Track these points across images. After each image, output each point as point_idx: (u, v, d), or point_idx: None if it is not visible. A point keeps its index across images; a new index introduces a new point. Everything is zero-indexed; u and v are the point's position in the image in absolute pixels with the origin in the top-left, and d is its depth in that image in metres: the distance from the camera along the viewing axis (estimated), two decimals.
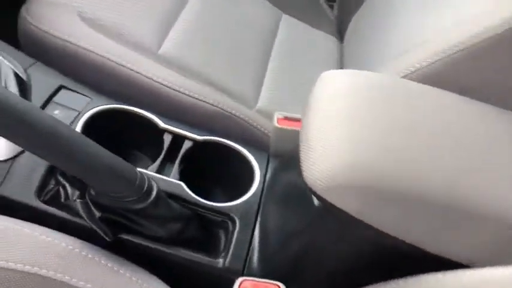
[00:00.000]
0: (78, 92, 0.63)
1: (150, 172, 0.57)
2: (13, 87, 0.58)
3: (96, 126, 0.62)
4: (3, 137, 0.38)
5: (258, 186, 0.60)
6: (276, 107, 0.80)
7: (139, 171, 0.47)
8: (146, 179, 0.47)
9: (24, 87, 0.59)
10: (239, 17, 0.90)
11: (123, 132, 0.66)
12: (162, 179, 0.56)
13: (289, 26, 1.00)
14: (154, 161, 0.68)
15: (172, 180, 0.57)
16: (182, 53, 0.75)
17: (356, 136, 0.39)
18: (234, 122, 0.71)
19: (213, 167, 0.66)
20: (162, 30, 0.76)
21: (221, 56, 0.80)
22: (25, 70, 0.61)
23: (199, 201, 0.56)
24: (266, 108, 0.79)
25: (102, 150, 0.43)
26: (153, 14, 0.76)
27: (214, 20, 0.84)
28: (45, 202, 0.53)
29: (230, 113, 0.70)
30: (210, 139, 0.64)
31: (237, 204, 0.57)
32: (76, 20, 0.68)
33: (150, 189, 0.47)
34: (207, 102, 0.69)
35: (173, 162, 0.61)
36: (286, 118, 0.65)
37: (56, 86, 0.61)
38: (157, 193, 0.48)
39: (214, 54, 0.79)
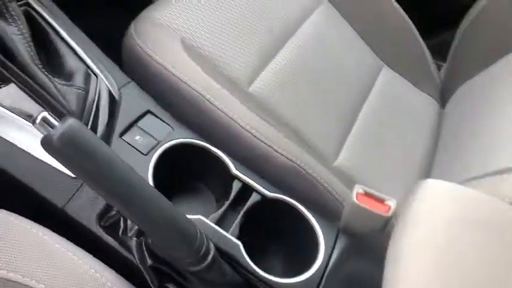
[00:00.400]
0: (162, 120, 0.62)
1: (210, 223, 0.54)
2: (104, 105, 0.59)
3: (170, 155, 0.61)
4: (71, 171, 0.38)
5: (322, 264, 0.55)
6: (355, 172, 0.74)
7: (199, 231, 0.45)
8: (205, 241, 0.45)
9: (113, 106, 0.60)
10: (336, 63, 0.86)
11: (194, 163, 0.65)
12: (222, 235, 0.54)
13: (388, 80, 0.94)
14: (217, 199, 0.66)
15: (231, 239, 0.54)
16: (270, 95, 0.73)
17: None
18: (307, 180, 0.67)
19: (275, 227, 0.62)
20: (257, 67, 0.74)
21: (308, 104, 0.77)
22: (119, 88, 0.62)
23: (254, 270, 0.52)
24: (343, 170, 0.73)
25: (167, 205, 0.42)
26: (251, 49, 0.75)
27: (309, 64, 0.81)
28: (103, 228, 0.53)
29: (305, 170, 0.66)
30: (280, 198, 0.61)
31: (295, 283, 0.52)
32: (178, 45, 0.68)
33: (207, 253, 0.45)
34: (283, 155, 0.65)
35: (236, 211, 0.59)
36: (367, 194, 0.59)
37: (143, 110, 0.62)
38: (213, 257, 0.46)
39: (301, 101, 0.76)
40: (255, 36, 0.76)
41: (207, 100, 0.65)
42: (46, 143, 0.36)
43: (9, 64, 0.55)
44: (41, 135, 0.35)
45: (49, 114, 0.37)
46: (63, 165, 0.38)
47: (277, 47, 0.78)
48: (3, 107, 0.54)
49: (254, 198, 0.60)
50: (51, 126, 0.36)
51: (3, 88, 0.57)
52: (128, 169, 0.39)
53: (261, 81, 0.73)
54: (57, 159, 0.38)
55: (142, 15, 0.71)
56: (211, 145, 0.64)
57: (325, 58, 0.83)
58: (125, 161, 0.39)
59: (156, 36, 0.68)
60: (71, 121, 0.36)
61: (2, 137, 0.53)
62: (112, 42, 0.69)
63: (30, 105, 0.57)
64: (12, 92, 0.57)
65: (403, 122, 0.88)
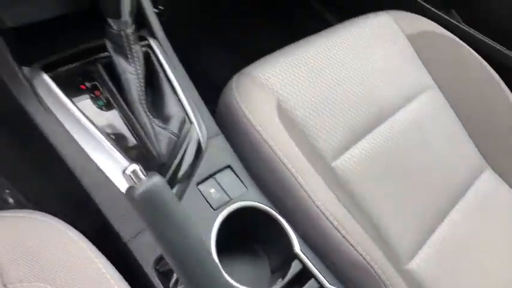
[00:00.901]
0: (239, 178, 0.63)
1: None
2: (190, 152, 0.61)
3: (238, 215, 0.61)
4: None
5: None
6: (428, 281, 0.67)
7: None
8: None
9: (198, 154, 0.62)
10: (432, 155, 0.80)
11: (259, 228, 0.64)
12: None
13: (489, 184, 0.84)
14: (272, 270, 0.63)
15: None
16: (354, 175, 0.70)
17: None
18: (373, 279, 0.61)
19: None
20: (345, 144, 0.71)
21: (392, 194, 0.72)
22: (208, 138, 0.64)
23: None
24: (415, 275, 0.67)
25: (224, 282, 0.41)
26: (343, 124, 0.73)
27: (401, 152, 0.76)
28: (157, 272, 0.53)
29: (374, 269, 0.61)
30: None
31: None
32: (272, 106, 0.69)
33: None
34: (356, 249, 0.60)
35: None
36: None
37: (224, 165, 0.63)
38: None
39: (385, 189, 0.71)
40: (349, 111, 0.74)
41: (286, 167, 0.63)
42: (129, 194, 0.39)
43: (118, 96, 0.60)
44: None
45: (139, 168, 0.39)
46: (138, 215, 0.40)
47: (370, 127, 0.75)
48: (99, 130, 0.58)
49: (311, 285, 0.57)
50: (138, 179, 0.39)
51: (106, 112, 0.62)
52: (196, 241, 0.39)
53: (346, 158, 0.70)
54: (135, 209, 0.40)
55: (245, 71, 0.73)
56: (281, 214, 0.63)
57: (419, 147, 0.78)
58: (194, 212, 0.39)
59: (254, 93, 0.70)
60: (155, 180, 0.38)
61: (94, 162, 0.57)
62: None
63: (125, 134, 0.62)
64: (112, 119, 0.62)
65: (500, 236, 0.77)
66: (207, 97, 0.71)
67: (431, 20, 0.97)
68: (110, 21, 0.54)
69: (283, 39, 1.45)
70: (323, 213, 0.61)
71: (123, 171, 0.38)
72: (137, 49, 0.57)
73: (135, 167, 0.38)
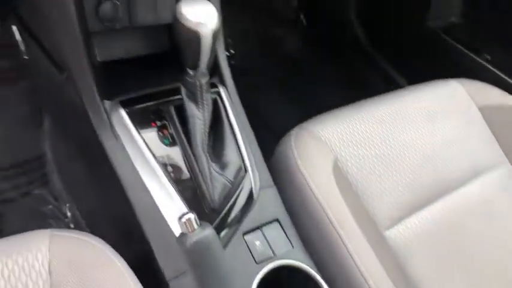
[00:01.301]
0: (286, 234, 0.62)
1: None
2: (241, 201, 0.62)
3: (280, 271, 0.60)
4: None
5: None
6: None
7: None
8: None
9: (249, 203, 0.63)
10: (501, 237, 0.74)
11: (298, 285, 0.62)
12: None
13: None
14: None
15: None
16: (406, 248, 0.66)
17: None
18: None
19: None
20: (401, 213, 0.69)
21: (448, 274, 0.67)
22: (260, 188, 0.65)
23: None
24: None
25: None
26: (401, 193, 0.70)
27: (465, 230, 0.71)
28: None
29: None
30: None
31: None
32: (329, 165, 0.68)
33: None
34: None
35: None
36: None
37: (272, 218, 0.63)
38: None
39: (440, 267, 0.67)
40: (409, 180, 0.72)
41: (336, 231, 0.62)
42: (181, 240, 0.41)
43: (183, 137, 0.63)
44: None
45: (194, 217, 0.41)
46: (185, 259, 0.41)
47: (430, 199, 0.72)
48: (161, 167, 0.61)
49: None
50: (192, 227, 0.40)
51: (170, 150, 0.65)
52: None
53: (401, 229, 0.67)
54: (183, 254, 0.41)
55: (305, 125, 0.74)
56: (323, 277, 0.61)
57: (489, 232, 0.72)
58: (237, 262, 0.39)
59: (312, 149, 0.70)
60: (207, 232, 0.40)
61: (151, 196, 0.59)
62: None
63: (184, 173, 0.64)
64: (174, 157, 0.64)
65: None
66: (263, 145, 0.72)
67: (505, 91, 0.93)
68: (188, 69, 0.58)
69: (347, 94, 1.46)
70: (369, 286, 0.58)
71: (179, 218, 0.40)
72: (208, 97, 0.61)
73: (191, 216, 0.40)
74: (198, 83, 0.58)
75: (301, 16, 1.64)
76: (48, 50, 0.71)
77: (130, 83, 0.70)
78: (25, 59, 1.13)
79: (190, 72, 0.58)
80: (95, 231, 0.91)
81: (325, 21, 1.60)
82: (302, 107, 1.40)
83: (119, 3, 0.64)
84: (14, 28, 1.06)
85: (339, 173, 0.69)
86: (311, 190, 0.65)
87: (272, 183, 0.67)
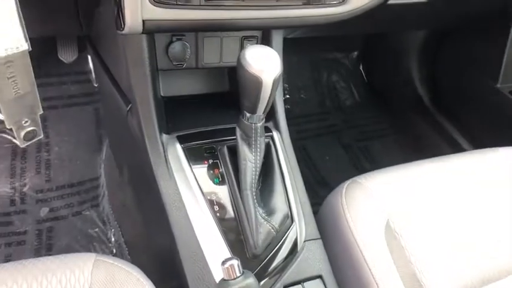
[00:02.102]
0: None
1: None
2: (284, 251, 0.60)
3: None
4: None
5: None
6: None
7: None
8: None
9: (292, 255, 0.61)
10: None
11: None
12: None
13: None
14: None
15: None
16: None
17: None
18: None
19: None
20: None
21: None
22: (306, 241, 0.62)
23: None
24: None
25: None
26: (459, 270, 0.64)
27: None
28: None
29: None
30: None
31: None
32: (381, 224, 0.65)
33: None
34: None
35: None
36: None
37: (316, 273, 0.60)
38: None
39: None
40: (465, 254, 0.66)
41: None
42: (222, 286, 0.39)
43: (234, 179, 0.63)
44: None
45: (237, 264, 0.39)
46: None
47: (486, 279, 0.65)
48: (209, 208, 0.61)
49: None
50: (234, 273, 0.39)
51: (219, 189, 0.65)
52: None
53: None
54: None
55: (358, 179, 0.71)
56: None
57: None
58: None
59: (363, 205, 0.67)
60: (249, 281, 0.38)
61: (196, 236, 0.59)
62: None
63: (230, 214, 0.63)
64: (222, 196, 0.64)
65: None
66: (313, 194, 0.70)
67: None
68: (245, 112, 0.59)
69: (406, 153, 1.41)
70: None
71: (222, 263, 0.39)
72: (262, 141, 0.61)
73: (234, 262, 0.39)
74: (253, 127, 0.59)
75: (361, 68, 1.63)
76: (117, 81, 0.76)
77: (190, 119, 0.72)
78: (94, 86, 1.22)
79: (248, 115, 0.58)
80: (135, 259, 0.92)
81: (385, 75, 1.58)
82: (357, 163, 1.37)
83: (188, 44, 0.68)
84: (89, 57, 1.15)
85: (391, 233, 0.65)
86: (359, 248, 0.61)
87: (318, 235, 0.64)
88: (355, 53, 1.61)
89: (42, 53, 1.17)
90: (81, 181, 1.10)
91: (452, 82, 1.40)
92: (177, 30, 0.65)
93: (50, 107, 1.18)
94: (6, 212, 1.01)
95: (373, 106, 1.57)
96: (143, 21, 0.54)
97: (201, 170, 0.64)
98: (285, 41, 0.87)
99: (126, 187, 0.89)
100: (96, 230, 1.00)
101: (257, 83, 0.53)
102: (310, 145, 1.39)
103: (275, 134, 0.70)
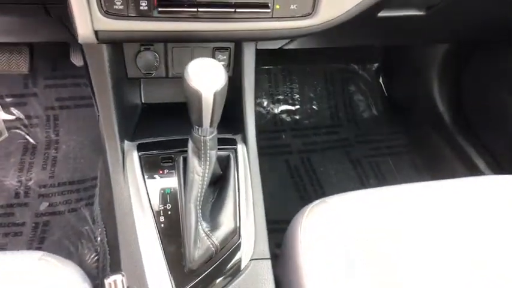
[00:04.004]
0: None
1: None
2: (226, 268, 0.59)
3: None
4: None
5: None
6: None
7: None
8: None
9: (235, 274, 0.59)
10: None
11: None
12: None
13: None
14: None
15: None
16: None
17: None
18: None
19: None
20: None
21: None
22: (252, 260, 0.60)
23: None
24: None
25: None
26: None
27: None
28: None
29: None
30: None
31: None
32: (334, 255, 0.61)
33: None
34: None
35: None
36: None
37: None
38: None
39: None
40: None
41: None
42: None
43: (183, 190, 0.62)
44: None
45: (121, 280, 0.39)
46: None
47: None
48: (154, 218, 0.62)
49: None
50: None
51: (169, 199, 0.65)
52: None
53: None
54: None
55: (326, 199, 0.68)
56: None
57: None
58: None
59: (321, 229, 0.63)
60: None
61: (138, 243, 0.60)
62: None
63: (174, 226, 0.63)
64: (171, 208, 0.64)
65: None
66: None
67: None
68: (194, 125, 0.58)
69: (421, 174, 1.32)
70: None
71: (106, 277, 0.39)
72: (212, 154, 0.60)
73: (118, 277, 0.38)
74: (202, 139, 0.58)
75: (381, 80, 1.57)
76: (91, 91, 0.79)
77: (158, 126, 0.73)
78: None
79: (196, 127, 0.58)
80: (114, 259, 0.94)
81: (405, 89, 1.50)
82: (365, 180, 1.30)
83: (156, 54, 0.69)
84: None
85: (344, 263, 0.61)
86: (303, 275, 0.58)
87: (268, 255, 0.62)
88: (375, 65, 1.55)
89: (58, 56, 1.24)
90: (82, 179, 1.15)
91: (476, 100, 1.30)
92: (132, 41, 0.66)
93: (63, 107, 1.25)
94: (10, 203, 1.08)
95: (389, 121, 1.50)
96: (96, 31, 0.55)
97: (155, 180, 0.64)
98: (297, 51, 0.84)
99: (108, 189, 0.92)
100: (87, 228, 1.04)
101: (198, 97, 0.52)
102: (315, 158, 1.35)
103: (240, 148, 0.69)
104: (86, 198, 1.11)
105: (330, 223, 0.64)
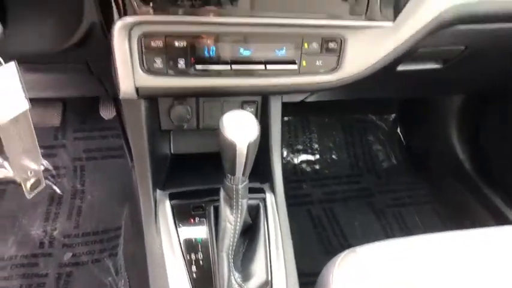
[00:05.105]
0: None
1: None
2: None
3: None
4: None
5: None
6: None
7: None
8: None
9: None
10: None
11: None
12: None
13: None
14: None
15: None
16: None
17: None
18: None
19: None
20: None
21: None
22: None
23: None
24: None
25: None
26: None
27: None
28: None
29: None
30: None
31: None
32: None
33: None
34: None
35: None
36: None
37: None
38: None
39: None
40: None
41: None
42: None
43: (214, 240, 0.63)
44: None
45: None
46: None
47: None
48: (186, 268, 0.62)
49: None
50: None
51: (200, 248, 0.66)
52: None
53: None
54: None
55: (356, 249, 0.67)
56: None
57: None
58: None
59: (353, 280, 0.62)
60: None
61: None
62: None
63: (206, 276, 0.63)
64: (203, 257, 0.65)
65: None
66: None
67: None
68: (227, 174, 0.60)
69: (442, 219, 1.29)
70: None
71: None
72: (243, 203, 0.61)
73: None
74: (234, 188, 0.59)
75: (399, 130, 1.58)
76: (125, 142, 0.82)
77: (188, 176, 0.75)
78: None
79: (229, 176, 0.59)
80: None
81: (424, 139, 1.52)
82: (389, 232, 1.28)
83: (189, 107, 0.72)
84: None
85: None
86: None
87: None
88: (393, 115, 1.58)
89: (87, 110, 1.30)
90: (106, 230, 1.16)
91: (497, 146, 1.30)
92: (170, 96, 0.70)
93: (89, 158, 1.29)
94: (34, 253, 1.09)
95: (410, 171, 1.49)
96: (137, 88, 0.59)
97: (186, 228, 0.65)
98: (316, 102, 0.86)
99: (135, 241, 0.93)
100: (110, 279, 1.03)
101: (232, 147, 0.55)
102: (338, 208, 1.34)
103: (268, 197, 0.70)
104: (109, 248, 1.11)
105: (361, 274, 0.63)
